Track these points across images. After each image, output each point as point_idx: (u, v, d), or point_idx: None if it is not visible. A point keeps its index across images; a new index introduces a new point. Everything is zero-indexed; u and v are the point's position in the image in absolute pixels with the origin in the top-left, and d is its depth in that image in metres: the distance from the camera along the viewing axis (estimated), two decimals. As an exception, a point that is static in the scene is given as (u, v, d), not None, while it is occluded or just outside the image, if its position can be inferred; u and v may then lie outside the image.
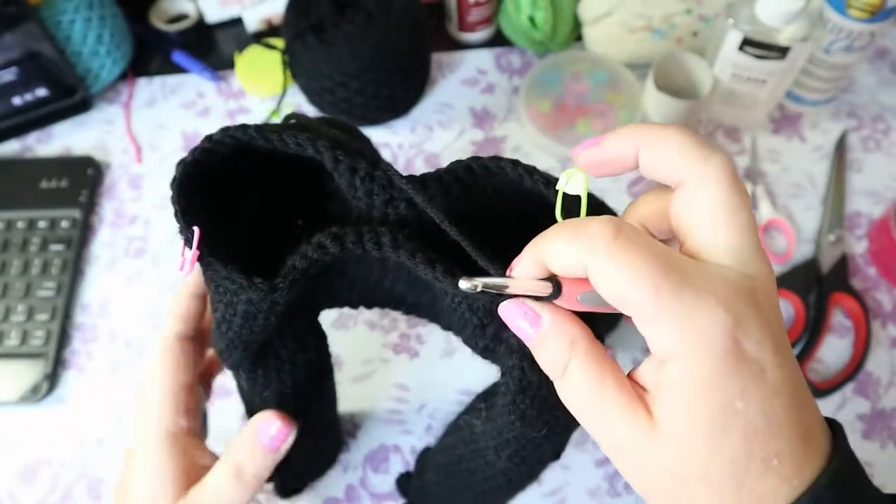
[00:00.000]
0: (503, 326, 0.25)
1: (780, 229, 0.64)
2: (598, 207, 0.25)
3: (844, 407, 0.56)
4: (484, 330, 0.27)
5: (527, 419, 0.29)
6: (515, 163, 0.27)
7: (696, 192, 0.22)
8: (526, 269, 0.24)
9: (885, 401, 0.56)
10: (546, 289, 0.23)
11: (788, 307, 0.60)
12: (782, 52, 0.60)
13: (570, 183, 0.25)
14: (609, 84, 0.71)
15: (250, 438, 0.38)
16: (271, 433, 0.38)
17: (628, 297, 0.21)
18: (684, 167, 0.22)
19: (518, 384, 0.28)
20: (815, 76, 0.66)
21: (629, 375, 0.24)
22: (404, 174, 0.27)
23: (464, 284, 0.22)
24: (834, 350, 0.59)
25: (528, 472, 0.36)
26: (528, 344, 0.24)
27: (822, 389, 0.55)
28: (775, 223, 0.64)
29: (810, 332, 0.58)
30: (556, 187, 0.25)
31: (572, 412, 0.24)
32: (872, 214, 0.65)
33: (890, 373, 0.57)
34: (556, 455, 0.35)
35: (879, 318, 0.59)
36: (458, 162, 0.28)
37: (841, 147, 0.68)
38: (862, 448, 0.54)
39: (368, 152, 0.28)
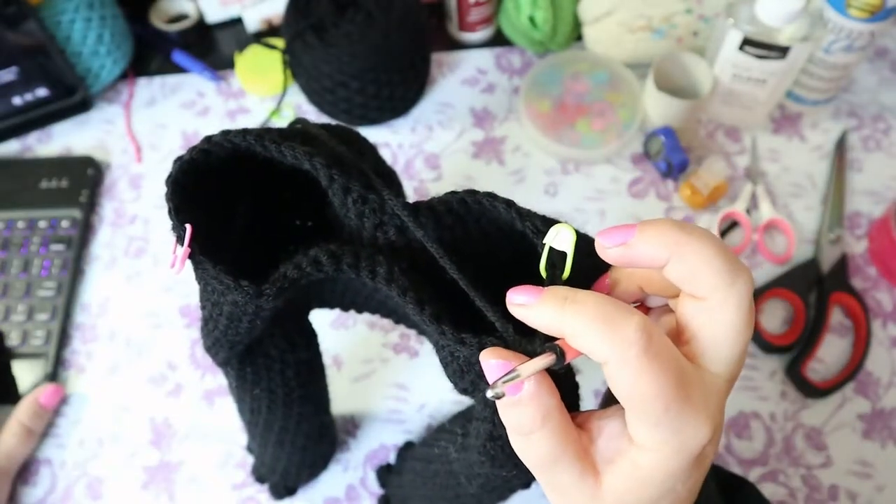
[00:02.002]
0: (481, 377, 0.25)
1: (780, 229, 0.64)
2: (588, 245, 0.25)
3: (844, 407, 0.56)
4: (463, 376, 0.28)
5: (496, 462, 0.29)
6: (510, 203, 0.27)
7: (715, 311, 0.23)
8: (539, 323, 0.24)
9: (885, 401, 0.56)
10: (550, 361, 0.23)
11: (788, 307, 0.60)
12: (782, 51, 0.60)
13: (558, 238, 0.25)
14: (609, 84, 0.71)
15: (34, 403, 0.55)
16: (48, 394, 0.56)
17: (638, 404, 0.22)
18: (709, 287, 0.23)
19: (488, 434, 0.28)
20: (816, 76, 0.66)
21: (581, 418, 0.25)
22: (404, 172, 0.27)
23: (489, 394, 0.23)
24: (834, 350, 0.59)
25: (498, 496, 0.37)
26: (499, 401, 0.24)
27: (822, 389, 0.55)
28: (775, 223, 0.64)
29: (810, 332, 0.58)
30: (544, 241, 0.25)
31: (523, 460, 0.25)
32: (872, 214, 0.65)
33: (890, 373, 0.57)
34: (526, 486, 0.35)
35: (879, 318, 0.59)
36: (453, 193, 0.28)
37: (841, 147, 0.68)
38: (862, 448, 0.54)
39: (370, 167, 0.28)
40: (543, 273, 0.25)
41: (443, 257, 0.26)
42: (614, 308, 0.22)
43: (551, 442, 0.24)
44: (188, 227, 0.27)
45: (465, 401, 0.57)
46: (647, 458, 0.23)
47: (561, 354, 0.23)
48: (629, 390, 0.22)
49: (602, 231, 0.25)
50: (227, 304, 0.29)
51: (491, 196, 0.27)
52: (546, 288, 0.24)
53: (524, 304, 0.24)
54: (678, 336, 0.25)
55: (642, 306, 0.28)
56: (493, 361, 0.24)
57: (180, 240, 0.27)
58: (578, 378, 0.29)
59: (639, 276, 0.26)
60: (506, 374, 0.23)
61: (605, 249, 0.25)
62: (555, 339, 0.24)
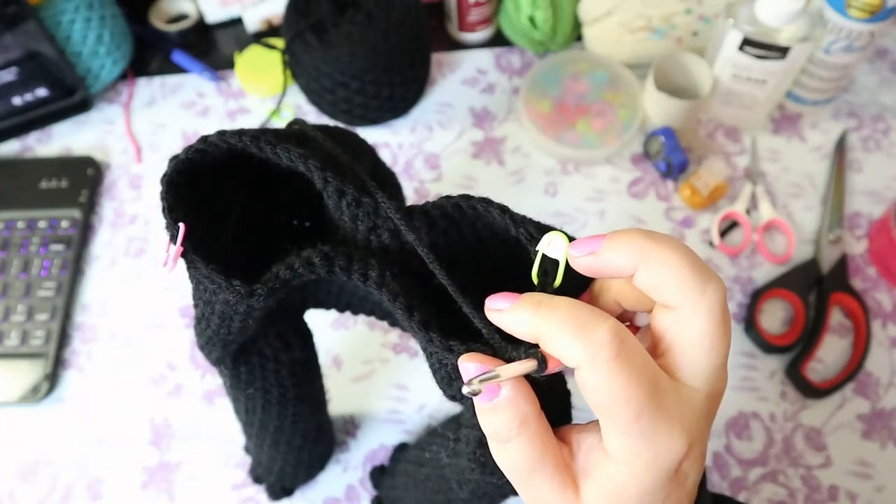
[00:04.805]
0: None
1: (780, 229, 0.64)
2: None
3: (844, 407, 0.56)
4: (451, 384, 0.28)
5: (487, 469, 0.29)
6: (504, 209, 0.26)
7: (687, 321, 0.23)
8: (514, 328, 0.24)
9: (885, 401, 0.56)
10: (532, 367, 0.23)
11: (788, 307, 0.60)
12: (782, 52, 0.60)
13: (551, 246, 0.25)
14: (609, 84, 0.71)
15: None
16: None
17: (610, 410, 0.22)
18: (679, 296, 0.23)
19: (478, 441, 0.28)
20: (815, 76, 0.66)
21: (563, 432, 0.25)
22: (404, 173, 0.27)
23: (466, 390, 0.23)
24: (834, 350, 0.59)
25: (489, 502, 0.37)
26: (477, 404, 0.24)
27: (822, 389, 0.55)
28: (775, 223, 0.64)
29: (810, 332, 0.58)
30: (537, 248, 0.25)
31: (502, 469, 0.25)
32: (872, 214, 0.65)
33: (890, 373, 0.57)
34: (517, 493, 0.35)
35: (879, 318, 0.59)
36: (448, 198, 0.27)
37: (841, 147, 0.68)
38: (862, 448, 0.54)
39: (367, 168, 0.28)
40: (535, 280, 0.25)
41: (433, 262, 0.26)
42: (588, 312, 0.22)
43: (528, 451, 0.24)
44: (181, 225, 0.27)
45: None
46: (621, 471, 0.23)
47: (543, 361, 0.23)
48: (600, 396, 0.22)
49: (574, 241, 0.25)
50: (218, 303, 0.29)
51: (486, 201, 0.27)
52: (523, 294, 0.24)
53: (500, 308, 0.24)
54: (654, 348, 0.24)
55: (632, 326, 0.28)
56: (469, 365, 0.24)
57: (173, 238, 0.27)
58: (573, 385, 0.29)
59: (615, 289, 0.26)
60: (484, 373, 0.23)
61: (575, 259, 0.25)
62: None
